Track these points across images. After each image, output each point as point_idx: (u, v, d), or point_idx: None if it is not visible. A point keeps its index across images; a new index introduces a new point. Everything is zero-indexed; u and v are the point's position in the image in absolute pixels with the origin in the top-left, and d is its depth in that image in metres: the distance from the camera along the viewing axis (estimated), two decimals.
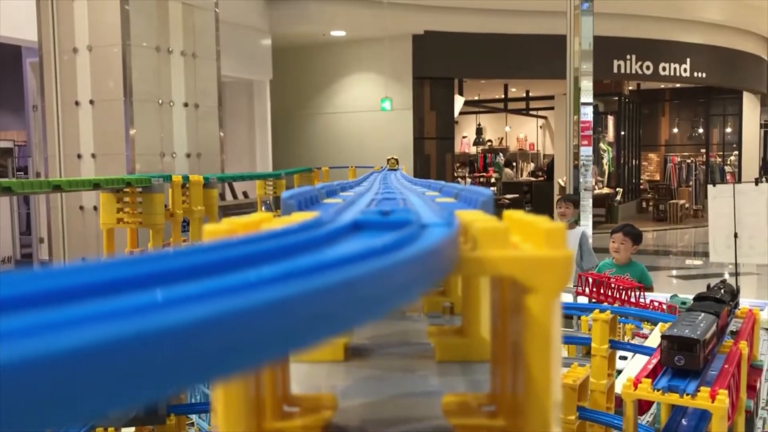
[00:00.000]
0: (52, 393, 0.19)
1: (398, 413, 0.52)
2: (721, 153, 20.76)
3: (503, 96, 19.83)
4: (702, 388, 1.46)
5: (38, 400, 0.19)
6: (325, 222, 0.41)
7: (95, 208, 7.01)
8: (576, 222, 5.89)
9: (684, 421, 1.68)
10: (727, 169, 20.11)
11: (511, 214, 0.46)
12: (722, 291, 1.97)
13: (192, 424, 3.08)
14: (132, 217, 2.18)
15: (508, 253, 0.37)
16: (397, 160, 3.87)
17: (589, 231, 8.26)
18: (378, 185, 1.31)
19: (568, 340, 3.18)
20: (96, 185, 1.96)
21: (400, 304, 0.29)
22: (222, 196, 8.07)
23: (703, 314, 1.68)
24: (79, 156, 7.24)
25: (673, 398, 1.47)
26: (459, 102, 14.51)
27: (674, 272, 11.68)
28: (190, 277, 0.26)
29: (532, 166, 22.04)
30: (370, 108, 13.01)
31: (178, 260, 0.27)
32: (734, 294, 2.06)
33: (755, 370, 2.05)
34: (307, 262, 0.26)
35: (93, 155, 7.24)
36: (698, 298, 1.92)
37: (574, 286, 3.84)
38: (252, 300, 0.22)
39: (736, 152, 19.99)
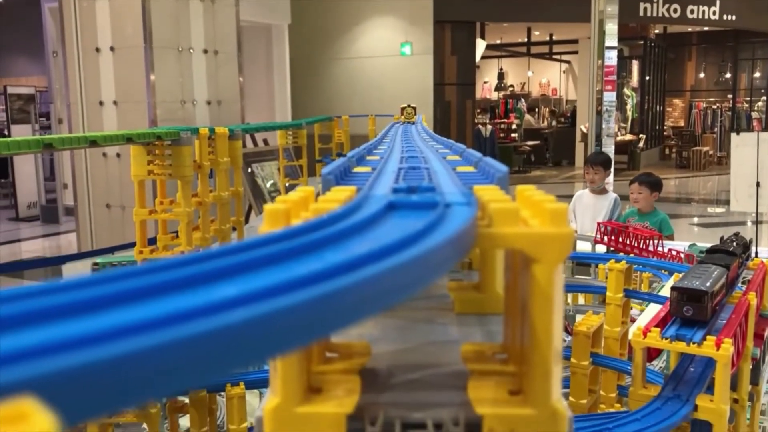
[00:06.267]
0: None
1: (422, 359, 0.60)
2: (748, 99, 20.29)
3: (526, 40, 19.44)
4: (708, 337, 1.53)
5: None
6: (363, 201, 0.48)
7: (118, 155, 7.13)
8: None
9: (691, 368, 1.76)
10: (754, 115, 19.69)
11: (524, 191, 0.52)
12: (735, 244, 2.02)
13: None
14: (162, 169, 2.28)
15: (518, 230, 0.44)
16: (414, 108, 3.27)
17: (611, 178, 8.19)
18: (400, 144, 1.37)
19: (584, 289, 3.26)
20: (129, 139, 2.05)
21: (432, 281, 0.36)
22: (243, 143, 8.14)
23: (713, 266, 1.74)
24: (101, 103, 7.31)
25: (680, 346, 1.55)
26: (480, 46, 14.26)
27: (696, 220, 11.64)
28: (257, 268, 0.32)
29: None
30: (389, 53, 12.85)
31: (243, 253, 0.33)
32: (747, 246, 2.10)
33: (764, 319, 2.11)
34: (358, 252, 0.33)
35: (115, 102, 7.30)
36: (710, 250, 1.97)
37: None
38: (308, 294, 0.29)
39: (764, 98, 19.53)
